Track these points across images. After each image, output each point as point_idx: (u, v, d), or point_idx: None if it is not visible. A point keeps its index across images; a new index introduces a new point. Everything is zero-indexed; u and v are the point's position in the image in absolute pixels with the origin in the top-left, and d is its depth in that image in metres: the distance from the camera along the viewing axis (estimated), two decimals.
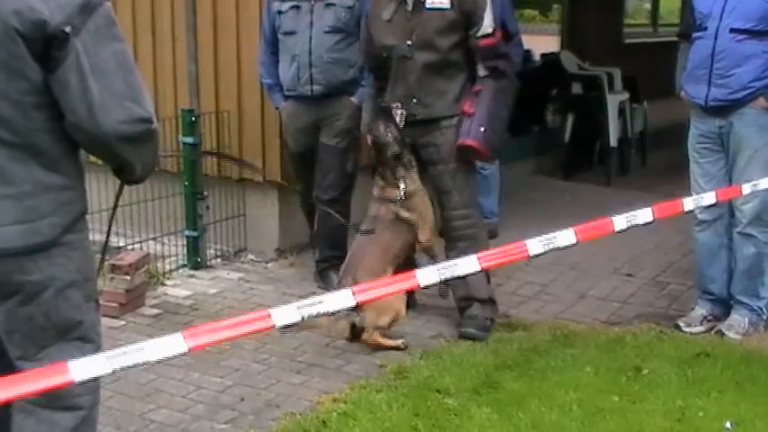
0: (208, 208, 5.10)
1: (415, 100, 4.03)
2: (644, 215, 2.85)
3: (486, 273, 4.11)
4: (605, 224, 2.78)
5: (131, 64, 2.02)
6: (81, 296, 2.11)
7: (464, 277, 4.11)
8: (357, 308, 3.84)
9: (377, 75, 4.24)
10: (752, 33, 3.85)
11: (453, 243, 4.14)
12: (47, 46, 1.89)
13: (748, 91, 3.90)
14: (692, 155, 4.17)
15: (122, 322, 4.26)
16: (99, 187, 4.44)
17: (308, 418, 3.27)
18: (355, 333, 3.98)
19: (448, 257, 4.16)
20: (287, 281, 4.90)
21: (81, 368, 1.76)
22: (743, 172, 3.96)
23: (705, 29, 3.95)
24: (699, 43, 4.00)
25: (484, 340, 4.02)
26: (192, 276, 4.99)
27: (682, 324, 4.20)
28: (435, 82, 4.03)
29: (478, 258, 2.37)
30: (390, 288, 2.59)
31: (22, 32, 1.88)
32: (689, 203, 3.39)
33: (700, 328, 4.17)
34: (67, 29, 1.89)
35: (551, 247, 2.50)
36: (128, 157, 2.05)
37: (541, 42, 9.88)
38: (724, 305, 4.22)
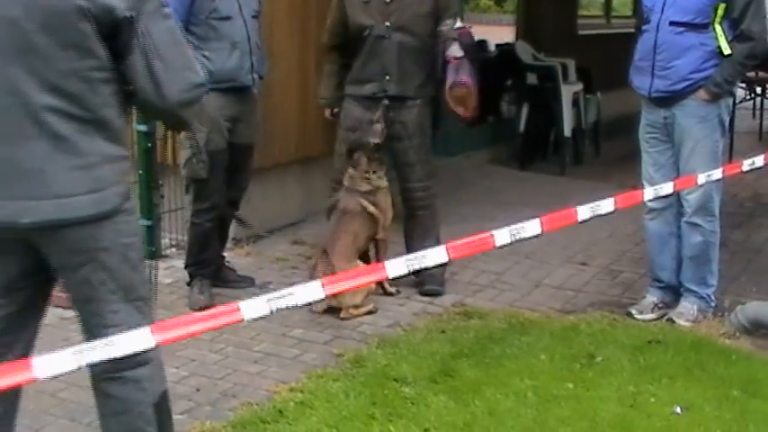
0: (162, 197, 5.04)
1: (388, 77, 4.38)
2: (606, 205, 2.89)
3: (437, 233, 4.53)
4: (570, 214, 2.81)
5: (180, 36, 2.24)
6: (137, 257, 2.31)
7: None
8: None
9: (344, 52, 4.53)
10: (690, 26, 3.93)
11: (414, 212, 4.54)
12: (114, 31, 2.08)
13: (688, 82, 3.98)
14: (642, 144, 4.25)
15: (75, 313, 4.18)
16: None
17: (264, 407, 3.26)
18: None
19: (407, 227, 4.57)
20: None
21: (47, 365, 1.73)
22: (687, 162, 4.05)
23: (649, 22, 4.05)
24: (644, 36, 4.09)
25: (444, 294, 4.47)
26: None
27: (634, 312, 4.27)
28: (407, 63, 4.38)
29: (447, 248, 2.38)
30: (359, 280, 2.60)
31: (93, 14, 2.05)
32: (649, 193, 3.45)
33: (651, 316, 4.25)
34: (131, 14, 2.08)
35: (518, 237, 2.51)
36: (185, 116, 2.33)
37: (497, 33, 9.94)
38: (674, 293, 4.30)
